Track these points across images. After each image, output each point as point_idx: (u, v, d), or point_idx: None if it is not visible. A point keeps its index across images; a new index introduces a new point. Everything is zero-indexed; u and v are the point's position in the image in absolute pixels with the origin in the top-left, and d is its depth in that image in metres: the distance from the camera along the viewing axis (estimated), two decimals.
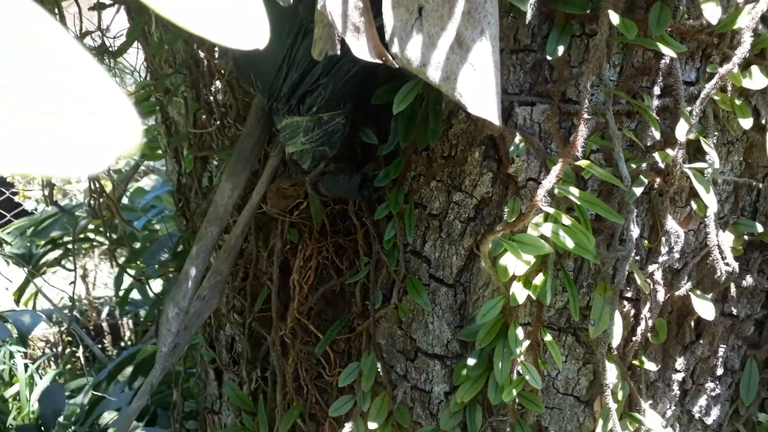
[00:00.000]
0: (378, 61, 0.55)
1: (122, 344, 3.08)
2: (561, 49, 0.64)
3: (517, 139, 0.71)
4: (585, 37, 0.67)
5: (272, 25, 0.61)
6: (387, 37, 0.62)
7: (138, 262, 2.07)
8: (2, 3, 0.17)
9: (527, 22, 0.64)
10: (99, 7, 1.26)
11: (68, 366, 2.78)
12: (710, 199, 0.64)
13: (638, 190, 0.65)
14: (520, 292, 0.71)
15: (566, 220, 0.62)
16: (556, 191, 0.66)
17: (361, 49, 0.53)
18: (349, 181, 0.86)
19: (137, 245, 2.14)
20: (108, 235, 1.32)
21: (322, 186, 0.88)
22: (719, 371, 0.79)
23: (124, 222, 1.10)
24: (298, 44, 0.76)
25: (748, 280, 0.74)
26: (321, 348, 0.94)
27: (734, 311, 0.77)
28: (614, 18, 0.56)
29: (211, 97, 1.14)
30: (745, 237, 0.72)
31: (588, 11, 0.62)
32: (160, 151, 1.32)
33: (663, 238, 0.70)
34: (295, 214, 0.99)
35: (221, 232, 0.83)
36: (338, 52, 0.58)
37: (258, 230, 1.05)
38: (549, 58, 0.64)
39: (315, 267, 0.98)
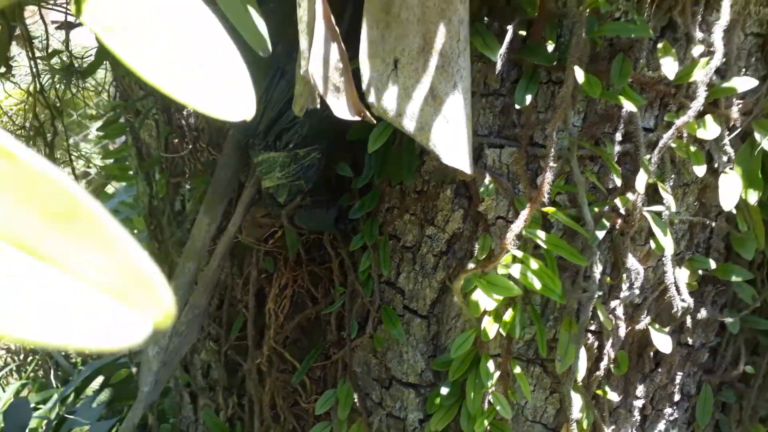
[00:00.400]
0: (357, 118, 0.57)
1: (87, 351, 3.02)
2: (529, 98, 0.67)
3: (487, 180, 0.74)
4: (551, 84, 0.70)
5: (249, 65, 0.63)
6: (364, 86, 0.65)
7: None
8: None
9: (497, 70, 0.67)
10: (67, 27, 1.25)
11: (31, 374, 2.72)
12: (667, 242, 0.68)
13: (600, 234, 0.68)
14: (490, 328, 0.74)
15: (534, 264, 0.65)
16: (523, 233, 0.69)
17: (341, 108, 0.55)
18: (325, 215, 0.88)
19: None
20: None
21: (298, 219, 0.89)
22: (676, 397, 0.84)
23: None
24: (275, 85, 0.77)
25: (703, 313, 0.78)
26: (298, 377, 0.96)
27: (690, 341, 0.81)
28: (579, 75, 0.59)
29: (183, 121, 1.14)
30: (700, 272, 0.77)
31: (554, 63, 0.65)
32: (131, 173, 1.31)
33: (624, 275, 0.74)
34: (270, 243, 1.00)
35: (199, 267, 0.84)
36: (318, 107, 0.60)
37: (232, 258, 1.06)
38: (518, 106, 0.68)
39: (290, 295, 1.00)
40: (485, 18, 0.70)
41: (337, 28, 0.54)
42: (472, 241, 0.81)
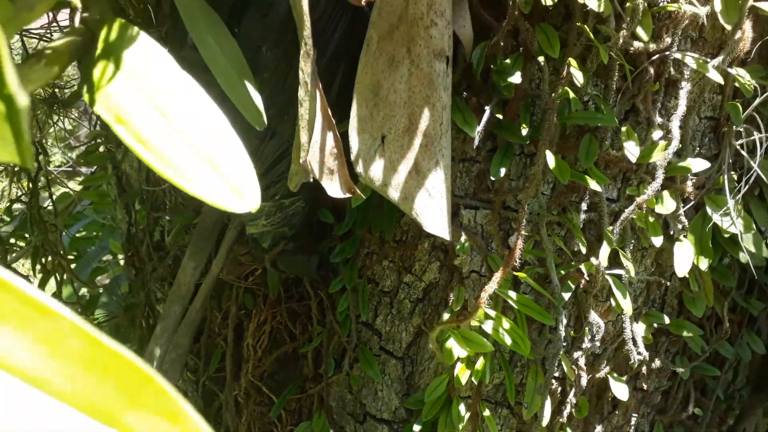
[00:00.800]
0: (348, 195, 0.62)
1: None
2: (503, 171, 0.73)
3: (463, 238, 0.79)
4: (524, 156, 0.76)
5: (243, 123, 0.67)
6: (352, 156, 0.69)
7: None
8: None
9: (475, 145, 0.73)
10: None
11: None
12: (626, 303, 0.74)
13: (566, 295, 0.74)
14: (463, 375, 0.79)
15: (506, 323, 0.71)
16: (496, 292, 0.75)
17: (334, 188, 0.60)
18: (308, 261, 0.92)
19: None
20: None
21: (280, 264, 0.93)
22: None
23: (75, 277, 1.11)
24: (266, 143, 0.81)
25: (657, 362, 0.85)
26: (275, 412, 1.00)
27: (645, 386, 0.88)
28: (551, 160, 0.65)
29: None
30: (655, 325, 0.84)
31: (527, 142, 0.71)
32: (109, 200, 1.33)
33: (586, 328, 0.80)
34: (249, 280, 1.04)
35: (184, 311, 0.87)
36: (311, 180, 0.64)
37: (212, 292, 1.09)
38: (492, 179, 0.73)
39: (269, 331, 1.04)
40: (464, 92, 0.75)
41: (333, 119, 0.59)
42: (447, 291, 0.86)
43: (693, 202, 0.77)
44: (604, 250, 0.71)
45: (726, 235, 0.75)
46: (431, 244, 0.85)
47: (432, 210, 0.67)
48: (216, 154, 0.50)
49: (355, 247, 0.93)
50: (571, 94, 0.64)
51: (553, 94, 0.67)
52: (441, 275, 0.86)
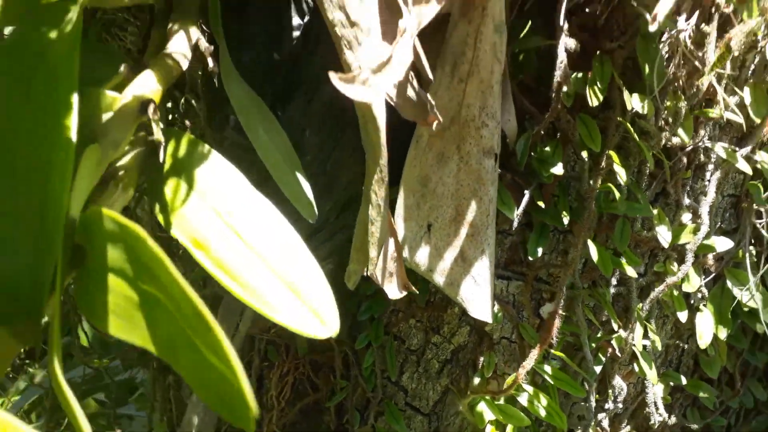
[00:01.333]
0: (404, 293, 0.64)
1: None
2: (540, 251, 0.76)
3: (496, 308, 0.82)
4: (557, 233, 0.79)
5: (283, 203, 0.69)
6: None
7: None
8: None
9: (513, 227, 0.75)
10: None
11: None
12: (651, 374, 0.78)
13: (598, 369, 0.78)
14: None
15: (543, 400, 0.74)
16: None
17: (393, 290, 0.62)
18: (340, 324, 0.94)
19: None
20: None
21: None
22: None
23: (95, 329, 1.11)
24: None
25: (672, 419, 0.90)
26: None
27: None
28: (594, 254, 0.68)
29: None
30: (671, 384, 0.88)
31: (566, 225, 0.74)
32: None
33: (609, 391, 0.84)
34: (272, 332, 1.05)
35: None
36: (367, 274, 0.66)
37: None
38: (531, 258, 0.76)
39: (291, 383, 1.05)
40: (498, 169, 0.77)
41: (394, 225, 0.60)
42: (476, 354, 0.89)
43: (713, 274, 0.81)
44: (638, 331, 0.75)
45: (745, 309, 0.79)
46: (462, 310, 0.88)
47: (478, 296, 0.70)
48: (298, 281, 0.51)
49: (383, 306, 0.95)
50: (616, 193, 0.67)
51: (591, 183, 0.70)
52: (470, 338, 0.89)
